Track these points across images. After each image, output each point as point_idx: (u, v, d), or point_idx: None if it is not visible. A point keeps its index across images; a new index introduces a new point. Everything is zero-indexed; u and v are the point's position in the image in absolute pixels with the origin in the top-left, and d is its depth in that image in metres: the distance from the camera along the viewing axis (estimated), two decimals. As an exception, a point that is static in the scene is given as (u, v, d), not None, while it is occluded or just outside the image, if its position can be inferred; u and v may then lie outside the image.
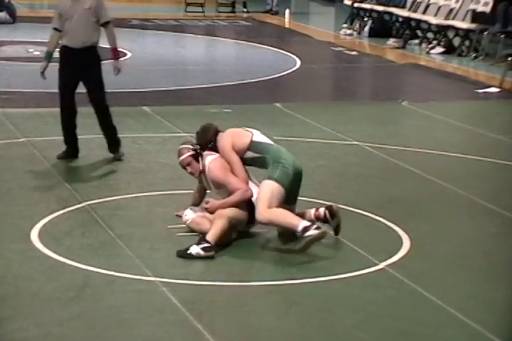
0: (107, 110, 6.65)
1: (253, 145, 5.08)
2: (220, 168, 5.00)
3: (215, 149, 5.12)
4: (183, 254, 4.70)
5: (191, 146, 5.13)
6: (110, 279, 4.46)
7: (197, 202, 5.24)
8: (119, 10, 16.17)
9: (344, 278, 4.58)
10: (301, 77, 10.68)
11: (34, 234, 5.01)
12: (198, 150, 5.10)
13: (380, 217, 5.51)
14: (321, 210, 5.12)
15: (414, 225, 5.39)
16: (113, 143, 6.63)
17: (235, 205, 4.93)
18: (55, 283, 4.41)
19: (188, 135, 7.13)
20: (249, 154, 5.08)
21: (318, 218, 5.10)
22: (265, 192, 4.91)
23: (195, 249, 4.71)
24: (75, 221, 5.27)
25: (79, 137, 6.81)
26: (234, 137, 5.10)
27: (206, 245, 4.72)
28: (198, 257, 4.69)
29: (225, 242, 4.87)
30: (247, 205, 4.98)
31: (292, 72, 10.85)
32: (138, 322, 4.02)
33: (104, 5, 6.52)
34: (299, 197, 5.81)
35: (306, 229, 4.82)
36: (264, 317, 4.14)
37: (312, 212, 5.13)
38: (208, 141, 5.11)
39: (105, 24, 6.55)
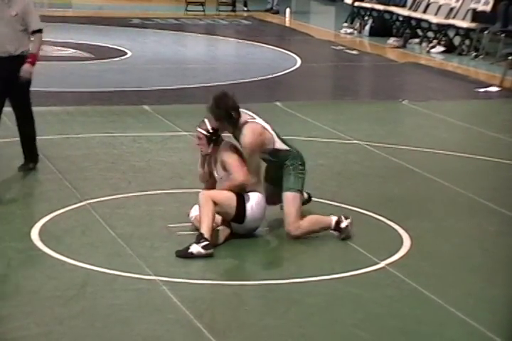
0: (31, 123, 6.20)
1: (273, 152, 5.07)
2: (233, 156, 4.92)
3: (235, 126, 4.92)
4: (184, 254, 4.70)
5: (207, 130, 4.97)
6: (110, 278, 4.47)
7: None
8: (119, 9, 16.19)
9: (345, 277, 4.58)
10: (301, 75, 10.68)
11: (34, 233, 5.01)
12: (212, 137, 4.96)
13: (381, 215, 5.51)
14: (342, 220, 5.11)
15: (414, 224, 5.40)
16: (30, 151, 6.15)
17: (228, 190, 4.87)
18: (55, 281, 4.41)
19: (189, 134, 7.14)
20: (266, 156, 5.08)
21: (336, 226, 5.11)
22: (293, 205, 4.98)
23: (195, 248, 4.71)
24: (75, 220, 5.27)
25: (78, 136, 6.80)
26: (263, 139, 4.99)
27: (205, 243, 4.72)
28: (199, 256, 4.69)
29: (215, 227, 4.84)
30: (238, 201, 4.91)
31: (293, 71, 10.85)
32: (138, 321, 4.02)
33: (33, 12, 6.09)
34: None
35: (338, 222, 5.02)
36: (265, 316, 4.14)
37: (334, 219, 5.11)
38: (226, 114, 4.91)
39: (35, 32, 6.11)
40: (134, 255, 4.76)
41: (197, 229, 4.93)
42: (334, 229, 5.08)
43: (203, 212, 4.78)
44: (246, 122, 5.03)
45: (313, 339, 3.95)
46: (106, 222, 5.22)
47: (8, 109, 8.00)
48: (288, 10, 16.06)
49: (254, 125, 5.03)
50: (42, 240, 4.91)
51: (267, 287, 4.46)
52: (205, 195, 4.82)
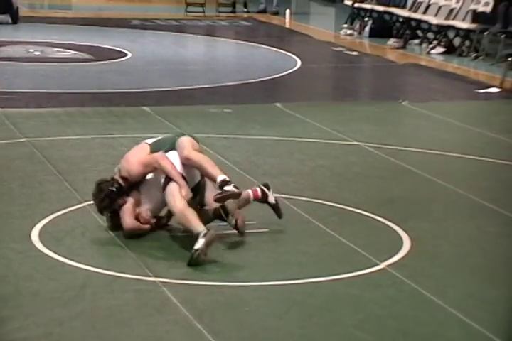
0: None
1: (154, 146, 5.11)
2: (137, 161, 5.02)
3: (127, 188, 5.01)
4: (196, 258, 4.59)
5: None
6: (110, 279, 4.46)
7: None
8: (119, 10, 16.19)
9: (344, 278, 4.58)
10: (301, 77, 10.69)
11: (34, 234, 5.01)
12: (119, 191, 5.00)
13: (380, 216, 5.51)
14: (258, 190, 5.16)
15: (414, 225, 5.39)
16: None
17: (174, 176, 4.87)
18: (55, 282, 4.41)
19: (189, 135, 7.13)
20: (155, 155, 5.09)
21: (256, 198, 5.14)
22: (185, 141, 5.04)
23: (199, 244, 4.66)
24: (75, 221, 5.27)
25: (78, 137, 6.81)
26: (134, 160, 5.06)
27: (203, 233, 4.64)
28: (208, 246, 4.61)
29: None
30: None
31: (292, 72, 10.85)
32: (138, 322, 4.02)
33: None
34: (298, 197, 5.82)
35: (224, 182, 4.85)
36: (265, 317, 4.14)
37: (250, 192, 5.13)
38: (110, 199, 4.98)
39: None
40: (133, 256, 4.76)
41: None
42: (220, 186, 4.86)
43: (186, 223, 4.78)
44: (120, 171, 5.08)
45: (314, 340, 3.95)
46: (106, 223, 5.22)
47: (8, 110, 8.02)
48: (288, 11, 16.07)
49: (124, 162, 5.11)
50: (42, 241, 4.91)
51: (267, 288, 4.46)
52: (179, 210, 4.82)
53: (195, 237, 4.69)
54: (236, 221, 4.95)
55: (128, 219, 4.96)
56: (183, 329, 3.98)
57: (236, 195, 4.89)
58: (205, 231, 4.65)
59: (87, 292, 4.31)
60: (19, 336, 3.86)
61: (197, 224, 4.72)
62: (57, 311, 4.09)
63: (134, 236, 4.97)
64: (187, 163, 5.00)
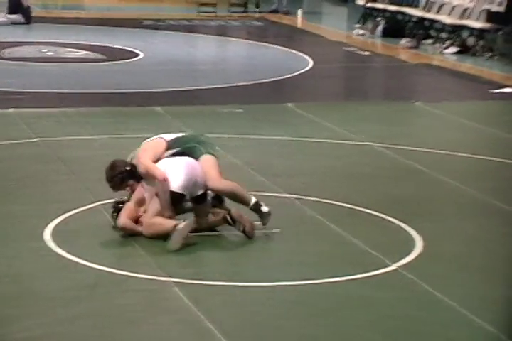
0: None
1: (171, 144, 5.12)
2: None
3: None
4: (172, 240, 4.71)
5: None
6: (122, 279, 4.48)
7: None
8: (131, 10, 16.23)
9: (356, 278, 4.57)
10: (313, 77, 10.67)
11: (47, 234, 5.03)
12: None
13: (392, 217, 5.50)
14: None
15: (426, 225, 5.38)
16: None
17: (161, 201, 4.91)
18: (67, 282, 4.43)
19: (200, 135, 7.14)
20: (169, 153, 5.10)
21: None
22: (214, 166, 5.01)
23: (176, 233, 4.72)
24: (87, 220, 5.29)
25: (91, 137, 6.83)
26: (149, 148, 5.09)
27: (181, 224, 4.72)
28: (183, 232, 4.71)
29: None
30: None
31: (304, 72, 10.84)
32: (149, 322, 4.03)
33: None
34: (310, 198, 5.82)
35: (258, 204, 4.99)
36: (276, 317, 4.14)
37: (254, 199, 5.12)
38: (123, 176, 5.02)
39: None
40: (145, 256, 4.77)
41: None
42: (253, 209, 5.01)
43: (159, 228, 4.84)
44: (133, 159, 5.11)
45: (325, 340, 3.94)
46: (112, 222, 5.22)
47: (21, 110, 8.06)
48: (300, 11, 16.05)
49: (136, 154, 5.13)
50: (54, 241, 4.93)
51: (279, 288, 4.46)
52: (145, 225, 4.90)
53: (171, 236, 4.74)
54: (244, 227, 4.98)
55: (123, 218, 4.99)
56: (194, 328, 3.99)
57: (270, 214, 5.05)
58: (177, 228, 4.72)
59: (99, 291, 4.33)
60: (32, 334, 3.88)
61: (170, 224, 4.78)
62: (68, 310, 4.11)
63: (129, 234, 4.99)
64: (214, 192, 5.00)
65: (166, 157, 5.09)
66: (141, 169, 5.05)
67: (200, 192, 5.01)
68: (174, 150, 5.11)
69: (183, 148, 5.12)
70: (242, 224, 4.96)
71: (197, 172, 5.00)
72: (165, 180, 4.91)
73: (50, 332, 3.89)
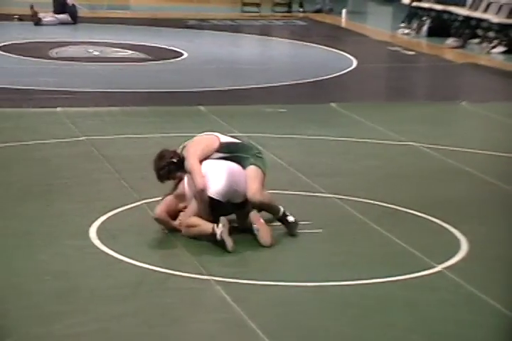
0: None
1: (223, 147, 5.11)
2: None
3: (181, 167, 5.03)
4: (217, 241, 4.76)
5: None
6: (165, 277, 4.51)
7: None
8: (175, 10, 16.35)
9: (400, 280, 4.53)
10: (357, 76, 10.62)
11: (92, 231, 5.10)
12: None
13: (436, 218, 5.44)
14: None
15: (471, 227, 5.31)
16: None
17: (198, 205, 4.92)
18: (111, 279, 4.48)
19: (244, 135, 7.17)
20: (219, 155, 5.10)
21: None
22: (256, 178, 5.00)
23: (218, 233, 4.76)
24: (132, 219, 5.34)
25: (135, 136, 6.89)
26: (202, 142, 5.09)
27: (220, 228, 4.76)
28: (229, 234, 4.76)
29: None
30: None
31: (348, 71, 10.79)
32: (192, 320, 4.05)
33: None
34: (353, 198, 5.77)
35: (285, 214, 5.02)
36: (318, 317, 4.13)
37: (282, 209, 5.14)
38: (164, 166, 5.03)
39: None
40: (188, 254, 4.80)
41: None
42: (279, 219, 5.04)
43: (196, 230, 4.88)
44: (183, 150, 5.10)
45: (367, 342, 3.93)
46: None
47: (68, 109, 8.18)
48: (344, 10, 15.98)
49: (188, 146, 5.12)
50: (99, 238, 4.99)
51: (321, 289, 4.45)
52: (183, 225, 4.94)
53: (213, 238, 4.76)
54: (258, 231, 4.96)
55: (159, 209, 5.02)
56: (237, 328, 4.00)
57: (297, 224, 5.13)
58: (219, 230, 4.75)
59: (142, 289, 4.37)
60: (76, 331, 3.94)
61: (207, 226, 4.81)
62: (113, 307, 4.16)
63: (163, 226, 5.02)
64: (251, 204, 5.00)
65: (215, 158, 5.09)
66: (186, 165, 5.06)
67: (239, 201, 5.01)
68: (224, 155, 5.11)
69: (233, 156, 5.11)
70: (257, 228, 4.95)
71: (239, 180, 4.98)
72: (202, 190, 4.90)
73: (98, 328, 3.94)
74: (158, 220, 5.04)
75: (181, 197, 5.07)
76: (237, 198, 4.99)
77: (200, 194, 4.90)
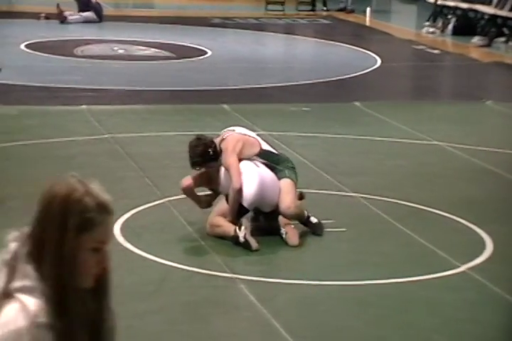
0: None
1: (262, 154, 5.12)
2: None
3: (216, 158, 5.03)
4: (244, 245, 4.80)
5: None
6: (188, 274, 4.53)
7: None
8: (200, 8, 16.39)
9: (423, 279, 4.51)
10: (381, 75, 10.57)
11: (116, 229, 5.12)
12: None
13: (461, 218, 5.40)
14: None
15: (496, 227, 5.27)
16: None
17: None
18: (136, 276, 4.51)
19: (268, 133, 7.18)
20: (257, 159, 5.11)
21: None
22: (290, 190, 5.01)
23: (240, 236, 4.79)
24: (155, 216, 5.37)
25: (159, 134, 6.92)
26: (243, 143, 5.08)
27: (243, 231, 4.79)
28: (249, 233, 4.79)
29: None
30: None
31: (372, 70, 10.74)
32: (215, 318, 4.07)
33: None
34: (377, 197, 5.76)
35: (309, 216, 5.07)
36: (341, 316, 4.12)
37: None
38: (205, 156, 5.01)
39: None
40: (212, 252, 4.81)
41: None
42: (303, 223, 5.08)
43: (219, 231, 4.91)
44: (222, 142, 5.08)
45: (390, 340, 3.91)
46: (185, 219, 5.30)
47: (93, 107, 8.24)
48: (368, 9, 15.91)
49: (228, 138, 5.11)
50: (123, 236, 5.02)
51: (344, 288, 4.44)
52: (208, 223, 4.97)
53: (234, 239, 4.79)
54: (286, 234, 4.97)
55: (186, 180, 5.02)
56: (260, 326, 4.01)
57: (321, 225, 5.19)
58: (241, 233, 4.78)
59: (166, 286, 4.39)
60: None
61: (229, 228, 4.84)
62: (137, 304, 4.18)
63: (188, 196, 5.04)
64: (282, 216, 5.02)
65: (253, 161, 5.08)
66: (224, 162, 5.01)
67: (267, 210, 5.02)
68: (262, 161, 5.11)
69: (270, 165, 5.11)
70: (285, 230, 4.96)
71: (270, 190, 4.98)
72: (239, 190, 4.90)
73: (122, 325, 3.90)
74: (184, 191, 5.05)
75: (211, 181, 5.07)
76: (264, 207, 5.02)
77: (236, 193, 4.90)
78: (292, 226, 4.99)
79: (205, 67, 10.79)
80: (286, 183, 5.04)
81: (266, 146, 5.21)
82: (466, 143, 7.28)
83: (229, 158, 4.99)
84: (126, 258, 4.73)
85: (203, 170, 5.12)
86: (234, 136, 5.14)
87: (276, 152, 5.25)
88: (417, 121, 8.02)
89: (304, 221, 5.10)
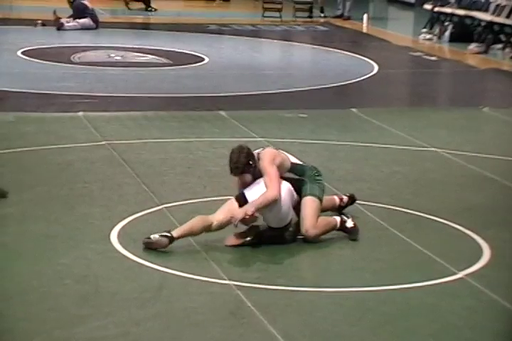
0: None
1: (292, 168, 5.16)
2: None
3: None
4: (145, 242, 4.84)
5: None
6: (186, 281, 4.52)
7: None
8: (196, 15, 16.42)
9: (421, 286, 4.51)
10: (378, 82, 10.59)
11: (113, 235, 5.11)
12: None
13: (458, 224, 5.40)
14: (345, 198, 5.45)
15: (494, 234, 5.27)
16: None
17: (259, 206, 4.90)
18: (132, 283, 4.50)
19: (264, 140, 7.17)
20: (287, 175, 5.15)
21: (340, 206, 5.41)
22: (311, 208, 5.02)
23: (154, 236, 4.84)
24: (152, 223, 5.36)
25: (156, 140, 6.91)
26: (280, 158, 5.11)
27: (164, 233, 4.82)
28: (155, 242, 4.83)
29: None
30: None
31: (369, 77, 10.76)
32: (212, 325, 4.05)
33: None
34: (374, 204, 5.76)
35: (343, 222, 5.12)
36: (338, 323, 4.11)
37: (337, 199, 5.42)
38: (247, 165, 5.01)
39: None
40: (209, 259, 4.80)
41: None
42: (340, 229, 5.13)
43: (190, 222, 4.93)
44: (258, 154, 5.11)
45: (388, 348, 3.90)
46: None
47: (89, 113, 8.24)
48: (365, 16, 15.95)
49: (266, 150, 5.17)
50: (120, 242, 5.01)
51: (341, 294, 4.43)
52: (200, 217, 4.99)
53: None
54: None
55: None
56: (257, 333, 3.99)
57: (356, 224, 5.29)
58: (168, 235, 4.83)
59: (163, 293, 4.37)
60: (98, 334, 3.95)
61: (180, 231, 4.89)
62: (134, 311, 4.17)
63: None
64: (304, 236, 5.04)
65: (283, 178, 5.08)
66: (265, 170, 4.97)
67: (273, 226, 5.01)
68: (294, 176, 5.13)
69: (299, 179, 5.12)
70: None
71: (282, 207, 4.96)
72: (276, 200, 4.88)
73: (119, 332, 3.95)
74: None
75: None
76: (272, 224, 5.01)
77: (269, 201, 4.88)
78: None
79: (202, 73, 10.80)
80: (307, 203, 5.03)
81: (293, 159, 5.26)
82: (464, 149, 7.28)
83: (270, 167, 4.99)
84: (122, 265, 4.72)
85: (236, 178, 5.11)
86: (272, 150, 5.17)
87: (300, 162, 5.29)
88: (414, 128, 8.03)
89: (339, 228, 5.14)
